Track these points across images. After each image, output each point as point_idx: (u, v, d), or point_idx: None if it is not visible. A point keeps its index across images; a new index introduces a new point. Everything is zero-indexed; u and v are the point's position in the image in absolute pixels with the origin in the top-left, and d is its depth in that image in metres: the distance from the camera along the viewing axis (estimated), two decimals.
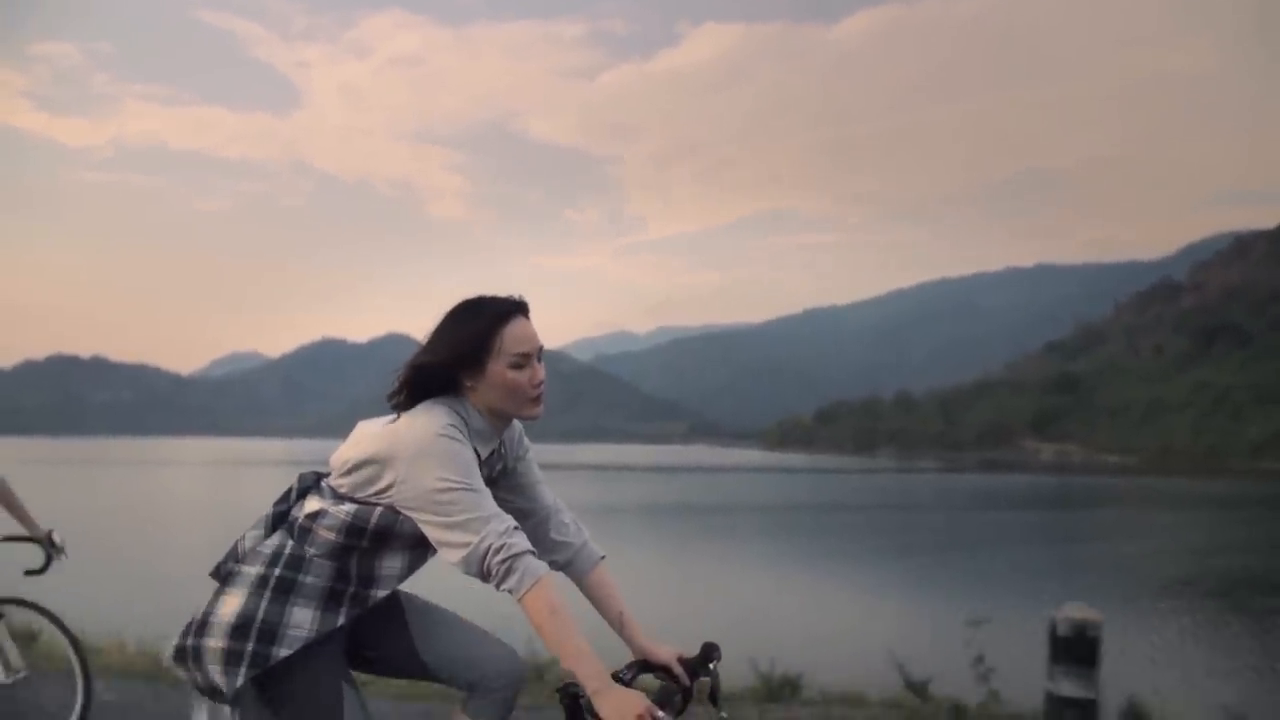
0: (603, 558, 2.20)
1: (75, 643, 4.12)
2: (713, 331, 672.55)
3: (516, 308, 1.96)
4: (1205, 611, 17.19)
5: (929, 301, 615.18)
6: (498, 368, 1.92)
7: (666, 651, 2.07)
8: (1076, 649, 5.12)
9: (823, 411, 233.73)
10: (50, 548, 4.13)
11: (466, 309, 1.96)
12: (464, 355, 1.92)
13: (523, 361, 1.93)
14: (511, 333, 1.93)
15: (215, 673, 1.89)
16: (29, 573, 4.18)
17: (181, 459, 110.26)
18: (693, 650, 2.07)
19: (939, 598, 18.25)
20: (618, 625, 2.10)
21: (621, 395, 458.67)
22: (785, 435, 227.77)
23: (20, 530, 4.13)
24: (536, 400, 1.97)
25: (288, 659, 1.91)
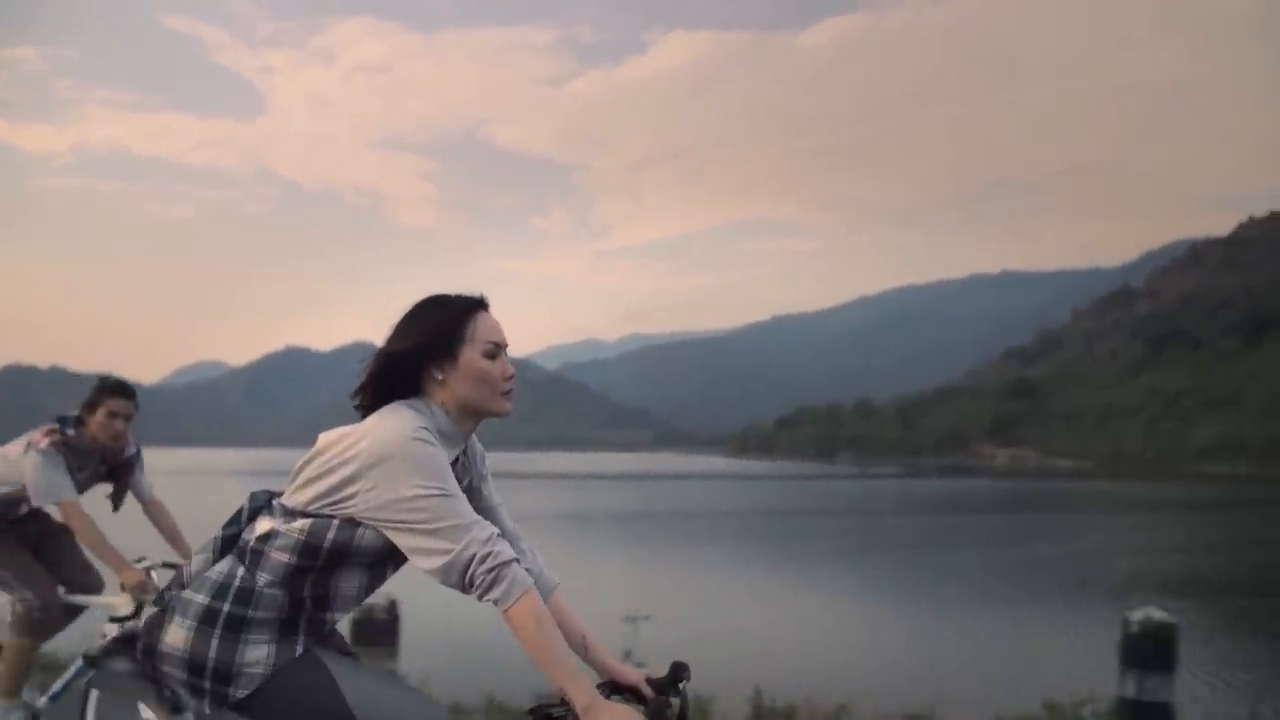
0: (558, 584, 2.13)
1: None
2: (683, 338, 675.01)
3: (482, 303, 1.94)
4: (1083, 611, 17.69)
5: (896, 308, 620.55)
6: (471, 355, 1.87)
7: (634, 672, 2.01)
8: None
9: (785, 418, 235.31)
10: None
11: (432, 302, 1.92)
12: (437, 342, 1.86)
13: (495, 351, 1.90)
14: (483, 322, 1.91)
15: (183, 696, 1.81)
16: None
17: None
18: (660, 670, 2.03)
19: (846, 599, 18.74)
20: (581, 649, 2.02)
21: (589, 403, 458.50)
22: (747, 442, 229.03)
23: (176, 558, 4.08)
24: (508, 394, 1.93)
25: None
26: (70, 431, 3.83)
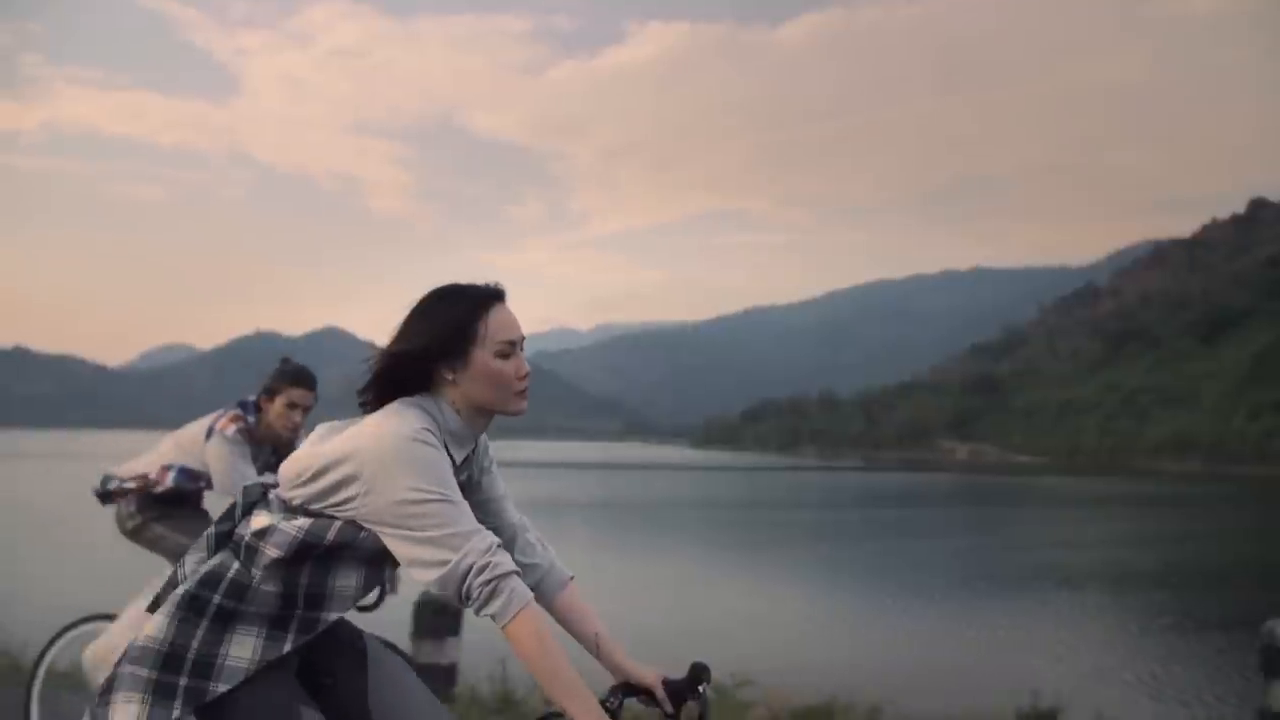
0: (571, 578, 2.01)
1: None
2: (654, 329, 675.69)
3: (497, 294, 1.82)
4: (971, 601, 18.24)
5: (867, 303, 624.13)
6: (483, 356, 1.76)
7: (651, 674, 1.89)
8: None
9: (749, 410, 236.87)
10: (386, 581, 3.62)
11: (444, 294, 1.80)
12: (446, 342, 1.75)
13: (509, 350, 1.79)
14: (497, 318, 1.79)
15: (134, 704, 1.62)
16: (362, 609, 3.59)
17: (102, 452, 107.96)
18: (680, 671, 1.91)
19: (755, 589, 19.19)
20: (594, 648, 1.92)
21: (559, 392, 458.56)
22: (712, 433, 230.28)
23: None
24: (522, 394, 1.83)
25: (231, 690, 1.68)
26: (250, 419, 3.60)
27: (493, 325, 1.77)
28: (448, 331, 1.75)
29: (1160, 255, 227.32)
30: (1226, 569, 24.98)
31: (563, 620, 1.97)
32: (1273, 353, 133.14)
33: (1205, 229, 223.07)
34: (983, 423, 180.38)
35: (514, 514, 2.01)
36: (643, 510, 42.12)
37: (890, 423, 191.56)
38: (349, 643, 1.88)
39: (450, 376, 1.77)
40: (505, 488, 2.02)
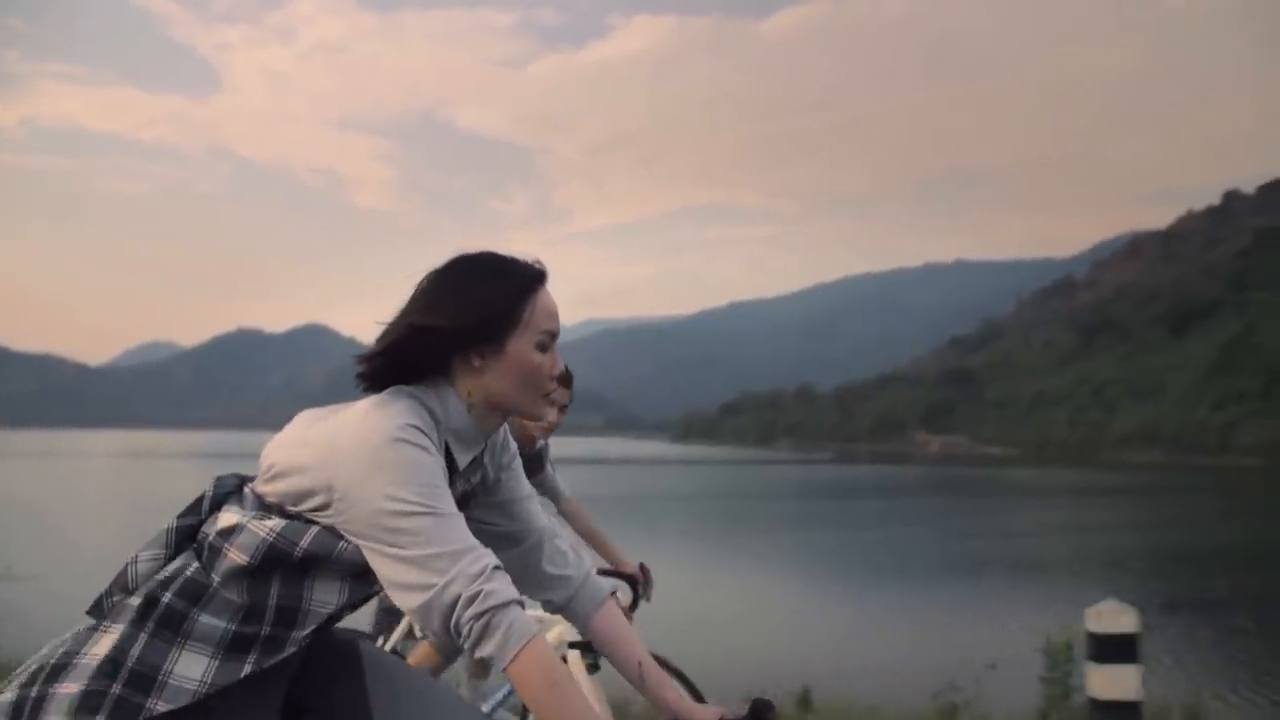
0: (612, 593, 1.73)
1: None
2: (639, 323, 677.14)
3: (543, 275, 1.56)
4: (879, 589, 19.43)
5: (851, 296, 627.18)
6: (522, 345, 1.51)
7: (706, 711, 1.59)
8: None
9: (727, 404, 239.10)
10: (640, 585, 3.38)
11: (484, 267, 1.52)
12: (484, 325, 1.48)
13: (548, 342, 1.55)
14: (544, 304, 1.54)
15: None
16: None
17: (84, 451, 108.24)
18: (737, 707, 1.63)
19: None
20: (637, 679, 1.61)
21: None
22: (691, 427, 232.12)
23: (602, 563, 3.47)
24: (549, 396, 1.59)
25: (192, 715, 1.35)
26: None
27: (538, 310, 1.53)
28: (488, 313, 1.49)
29: (1136, 247, 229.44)
30: (1168, 557, 25.64)
31: (599, 645, 1.69)
32: (1238, 344, 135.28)
33: (1180, 220, 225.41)
34: (956, 415, 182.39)
35: (540, 517, 1.73)
36: (619, 504, 43.20)
37: (865, 416, 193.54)
38: (341, 657, 1.57)
39: (478, 363, 1.51)
40: (530, 487, 1.74)
